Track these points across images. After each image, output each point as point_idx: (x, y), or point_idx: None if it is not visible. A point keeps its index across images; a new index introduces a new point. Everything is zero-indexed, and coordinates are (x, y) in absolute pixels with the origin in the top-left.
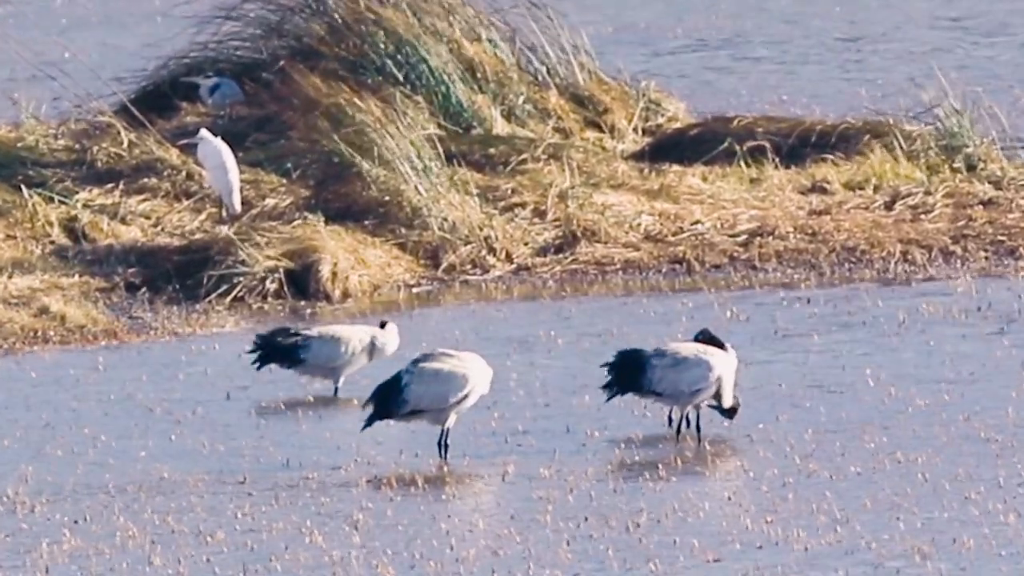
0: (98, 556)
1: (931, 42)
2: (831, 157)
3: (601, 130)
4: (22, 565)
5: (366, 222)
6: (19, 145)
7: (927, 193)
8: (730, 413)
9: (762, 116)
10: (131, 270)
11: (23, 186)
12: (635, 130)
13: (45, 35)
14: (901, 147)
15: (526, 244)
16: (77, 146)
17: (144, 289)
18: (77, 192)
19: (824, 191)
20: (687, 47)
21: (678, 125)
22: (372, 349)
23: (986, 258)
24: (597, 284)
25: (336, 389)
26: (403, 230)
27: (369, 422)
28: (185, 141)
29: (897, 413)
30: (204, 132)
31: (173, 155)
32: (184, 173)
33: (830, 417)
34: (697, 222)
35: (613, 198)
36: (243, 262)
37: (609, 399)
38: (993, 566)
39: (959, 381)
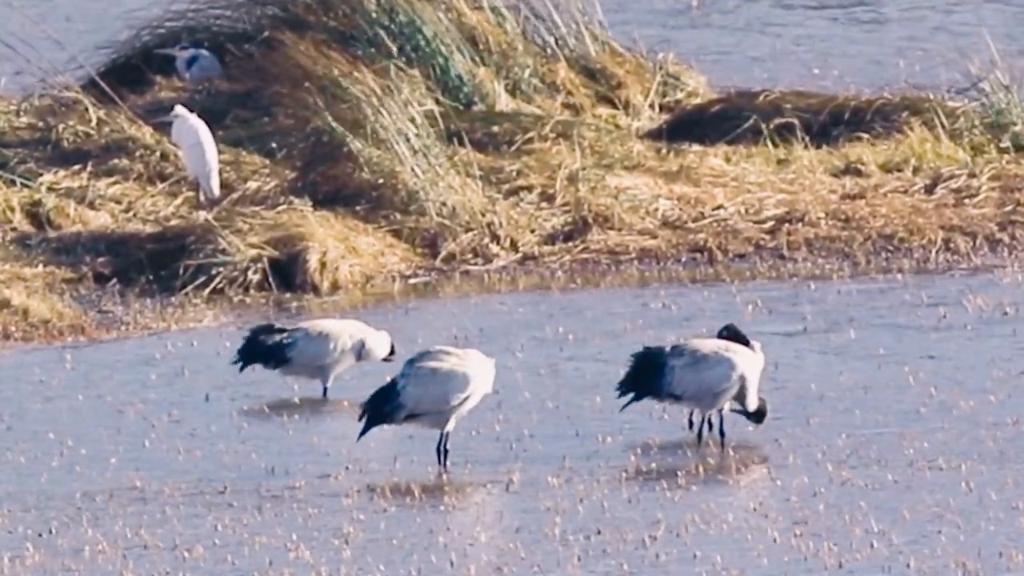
0: (65, 572)
1: (976, 10)
2: (866, 136)
3: (615, 106)
4: None
5: (358, 207)
6: None
7: (971, 175)
8: (758, 417)
9: (791, 91)
10: (100, 260)
11: None
12: (652, 106)
13: (6, 3)
14: (943, 125)
15: (533, 231)
16: (41, 124)
17: (114, 280)
18: (41, 174)
19: (858, 173)
20: (709, 16)
21: (699, 101)
22: (361, 349)
23: None
24: (610, 275)
25: (325, 390)
26: (398, 216)
27: (364, 430)
28: (160, 119)
29: (939, 416)
30: (180, 109)
31: (146, 134)
32: (158, 154)
33: (865, 420)
34: (719, 207)
35: (628, 181)
36: (223, 251)
37: (624, 407)
38: None
39: (1007, 381)
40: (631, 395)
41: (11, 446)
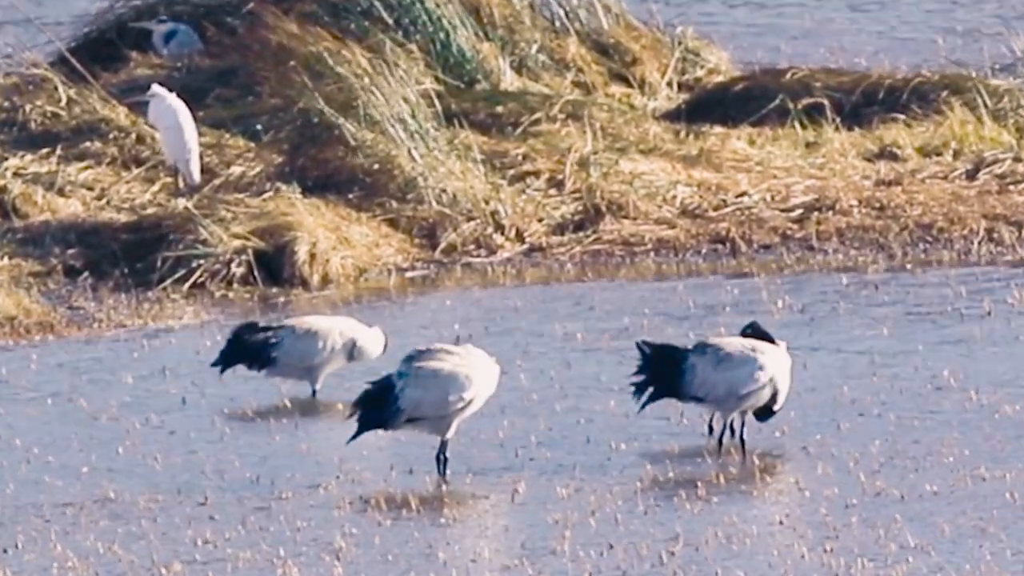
0: None
1: None
2: (902, 117)
3: (629, 84)
4: None
5: (350, 194)
6: None
7: (1017, 160)
8: (766, 414)
9: (820, 68)
10: (71, 251)
11: None
12: (669, 85)
13: None
14: (986, 105)
15: (540, 220)
16: (7, 104)
17: (86, 274)
18: (6, 159)
19: (894, 157)
20: None
21: (720, 79)
22: (353, 348)
23: None
24: (624, 267)
25: (314, 392)
26: (394, 204)
27: (356, 433)
28: (136, 99)
29: (981, 421)
30: (157, 88)
31: (120, 115)
32: (133, 136)
33: (901, 426)
34: (743, 194)
35: (643, 165)
36: (204, 242)
37: (642, 408)
38: None
39: None
40: (648, 394)
41: None
